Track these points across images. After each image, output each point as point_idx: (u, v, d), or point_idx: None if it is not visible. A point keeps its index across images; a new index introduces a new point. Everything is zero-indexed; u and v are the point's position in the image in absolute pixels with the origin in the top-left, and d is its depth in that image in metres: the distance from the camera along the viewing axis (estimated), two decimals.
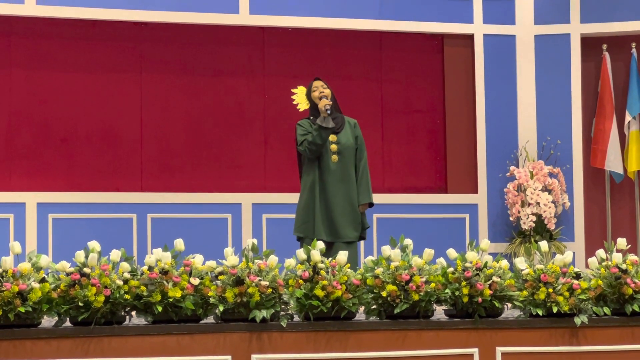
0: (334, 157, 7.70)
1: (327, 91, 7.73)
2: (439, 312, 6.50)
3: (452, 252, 6.47)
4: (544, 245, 6.61)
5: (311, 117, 7.79)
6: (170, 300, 5.94)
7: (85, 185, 9.71)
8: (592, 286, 6.51)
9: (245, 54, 10.18)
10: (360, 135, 7.85)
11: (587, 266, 6.81)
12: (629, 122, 10.46)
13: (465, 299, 6.28)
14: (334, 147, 7.69)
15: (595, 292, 6.50)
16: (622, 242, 6.68)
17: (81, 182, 9.73)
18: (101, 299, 5.82)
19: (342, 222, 7.63)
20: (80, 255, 5.96)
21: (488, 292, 6.29)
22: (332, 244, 7.56)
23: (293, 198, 8.85)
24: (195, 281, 6.03)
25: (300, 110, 7.88)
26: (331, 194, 7.65)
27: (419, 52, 10.57)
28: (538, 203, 10.14)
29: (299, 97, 7.90)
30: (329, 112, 7.61)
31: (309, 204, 7.67)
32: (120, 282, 5.91)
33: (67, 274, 5.89)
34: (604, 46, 10.56)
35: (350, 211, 7.68)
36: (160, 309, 5.92)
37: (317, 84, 7.77)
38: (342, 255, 6.27)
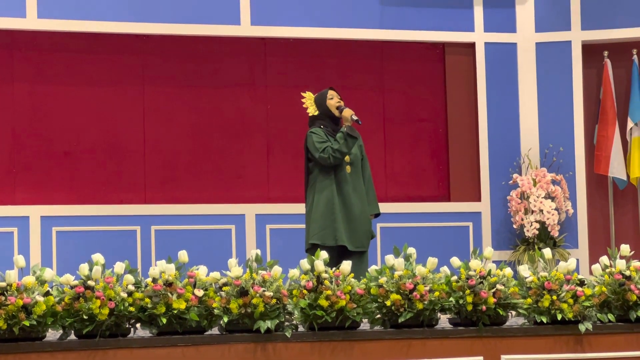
0: (348, 168, 7.71)
1: (342, 102, 7.79)
2: (443, 321, 6.50)
3: (455, 261, 6.47)
4: (547, 252, 6.61)
5: (322, 126, 7.75)
6: (175, 312, 5.94)
7: (89, 198, 9.72)
8: (596, 293, 6.50)
9: (246, 65, 10.19)
10: (363, 146, 7.88)
11: (591, 273, 6.79)
12: (631, 128, 10.46)
13: (469, 307, 6.28)
14: (347, 157, 7.70)
15: (600, 298, 6.50)
16: (625, 249, 6.68)
17: (85, 195, 9.73)
18: (105, 311, 5.83)
19: (360, 231, 7.66)
20: (84, 268, 5.97)
21: (492, 300, 6.30)
22: (348, 253, 7.54)
23: (296, 208, 8.85)
24: (200, 292, 6.04)
25: (309, 114, 7.84)
26: (350, 203, 7.65)
27: (421, 61, 10.58)
28: (541, 210, 10.14)
29: (309, 102, 7.87)
30: (359, 121, 7.61)
31: (329, 211, 7.60)
32: (124, 295, 5.92)
33: (72, 287, 5.90)
34: (605, 53, 10.56)
35: (365, 220, 7.71)
36: (164, 320, 5.92)
37: (333, 93, 7.81)
38: (346, 265, 6.28)
